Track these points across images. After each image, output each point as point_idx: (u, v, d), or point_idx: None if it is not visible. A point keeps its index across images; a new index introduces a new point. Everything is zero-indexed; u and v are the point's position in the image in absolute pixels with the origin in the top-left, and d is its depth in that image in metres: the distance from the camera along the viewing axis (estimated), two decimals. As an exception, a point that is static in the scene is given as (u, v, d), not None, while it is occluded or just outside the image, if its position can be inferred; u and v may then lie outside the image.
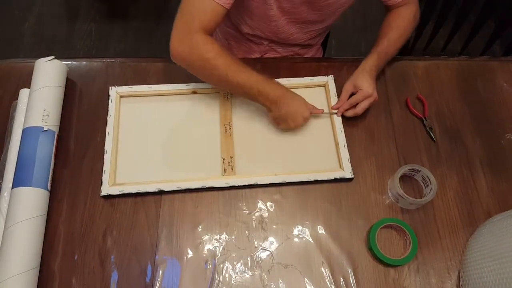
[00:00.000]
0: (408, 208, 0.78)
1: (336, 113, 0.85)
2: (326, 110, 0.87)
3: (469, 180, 0.82)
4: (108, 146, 0.80)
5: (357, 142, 0.84)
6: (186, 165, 0.81)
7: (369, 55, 0.87)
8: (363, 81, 0.82)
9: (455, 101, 0.91)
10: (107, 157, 0.79)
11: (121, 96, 0.87)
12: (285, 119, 0.80)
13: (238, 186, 0.78)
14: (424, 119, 0.87)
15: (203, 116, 0.86)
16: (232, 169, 0.80)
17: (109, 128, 0.82)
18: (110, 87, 0.86)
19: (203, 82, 0.87)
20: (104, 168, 0.78)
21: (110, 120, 0.83)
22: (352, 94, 0.85)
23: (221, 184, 0.78)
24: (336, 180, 0.80)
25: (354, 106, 0.84)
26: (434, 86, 0.92)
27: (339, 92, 0.87)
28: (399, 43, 0.88)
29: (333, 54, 1.85)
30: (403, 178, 0.80)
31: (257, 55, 1.03)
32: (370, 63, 0.85)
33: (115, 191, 0.76)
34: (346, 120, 0.85)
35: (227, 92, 0.87)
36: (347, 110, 0.85)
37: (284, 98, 0.79)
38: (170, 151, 0.82)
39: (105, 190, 0.76)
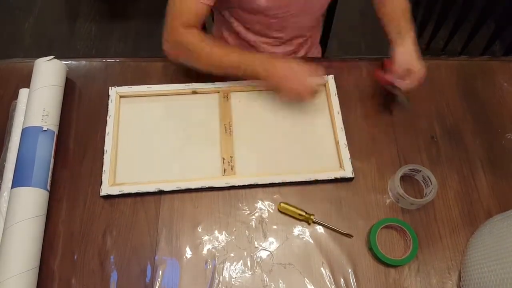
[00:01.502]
0: (408, 208, 0.78)
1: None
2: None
3: (469, 180, 0.82)
4: (107, 146, 0.80)
5: (357, 142, 0.84)
6: (186, 165, 0.81)
7: (406, 38, 0.82)
8: (419, 63, 0.80)
9: (455, 101, 0.91)
10: (106, 157, 0.79)
11: (121, 96, 0.87)
12: (281, 83, 0.80)
13: (238, 186, 0.78)
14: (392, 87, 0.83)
15: (203, 116, 0.86)
16: (232, 169, 0.80)
17: (109, 128, 0.82)
18: (110, 87, 0.86)
19: (203, 82, 0.87)
20: (103, 168, 0.78)
21: (110, 120, 0.83)
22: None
23: (221, 184, 0.78)
24: (336, 180, 0.80)
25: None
26: (434, 86, 0.92)
27: (339, 92, 0.87)
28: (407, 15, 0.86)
29: (333, 54, 1.85)
30: (404, 178, 0.80)
31: None
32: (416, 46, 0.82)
33: (114, 191, 0.76)
34: (346, 119, 0.85)
35: (227, 92, 0.87)
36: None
37: (276, 60, 0.80)
38: (170, 151, 0.82)
39: (105, 190, 0.76)
